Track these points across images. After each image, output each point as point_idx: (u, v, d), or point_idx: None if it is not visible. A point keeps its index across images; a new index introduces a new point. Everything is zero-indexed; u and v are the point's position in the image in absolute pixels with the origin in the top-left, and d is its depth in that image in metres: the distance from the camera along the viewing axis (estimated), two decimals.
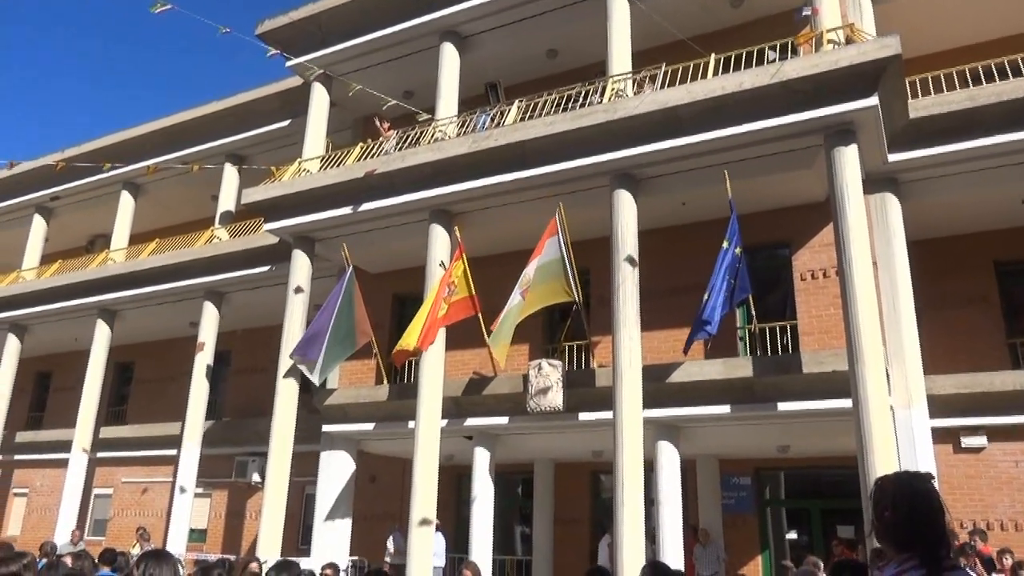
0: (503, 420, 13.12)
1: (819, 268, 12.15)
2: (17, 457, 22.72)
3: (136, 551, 12.39)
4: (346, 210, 14.25)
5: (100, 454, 20.14)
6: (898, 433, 10.46)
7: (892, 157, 11.66)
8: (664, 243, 13.03)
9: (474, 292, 12.83)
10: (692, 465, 13.81)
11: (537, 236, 12.70)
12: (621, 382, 11.14)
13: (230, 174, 19.53)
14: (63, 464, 19.26)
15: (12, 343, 21.77)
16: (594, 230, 12.68)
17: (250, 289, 17.97)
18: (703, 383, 11.52)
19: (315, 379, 13.74)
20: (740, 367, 11.41)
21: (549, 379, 12.31)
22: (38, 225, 23.52)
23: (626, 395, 11.06)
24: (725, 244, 10.92)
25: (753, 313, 12.02)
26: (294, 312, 14.81)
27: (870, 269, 10.24)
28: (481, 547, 13.02)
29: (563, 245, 12.09)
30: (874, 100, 10.30)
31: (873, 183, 11.77)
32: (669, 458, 11.85)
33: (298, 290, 14.95)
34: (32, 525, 22.17)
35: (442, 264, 13.33)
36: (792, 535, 14.14)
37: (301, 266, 15.17)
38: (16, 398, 21.98)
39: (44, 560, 9.09)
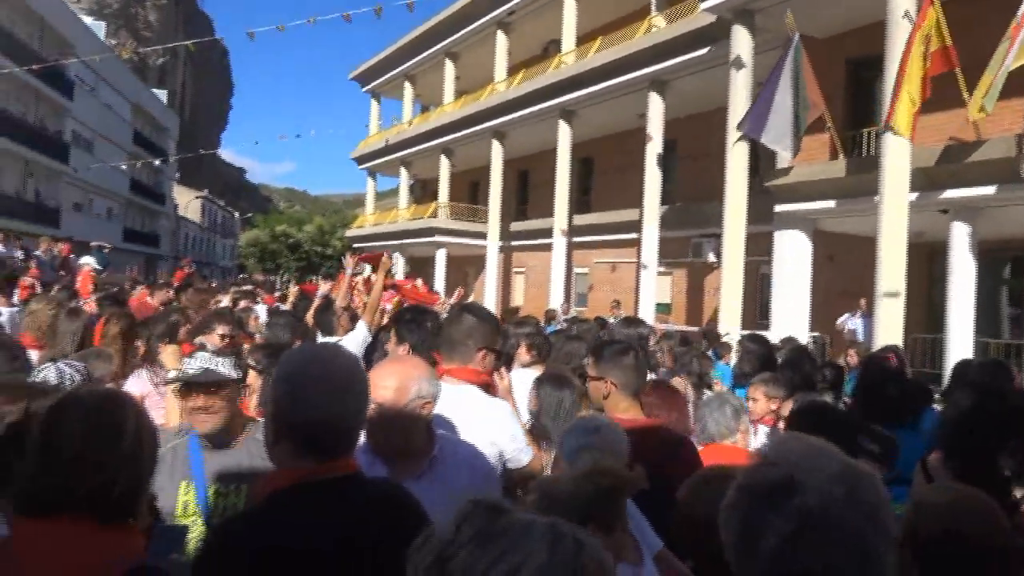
0: (988, 190, 11.37)
1: None
2: (513, 243, 27.40)
3: (612, 320, 14.22)
4: None
5: (575, 239, 23.13)
6: None
7: None
8: None
9: (949, 42, 10.90)
10: None
11: None
12: None
13: None
14: (547, 248, 22.70)
15: (496, 148, 25.66)
16: None
17: (691, 74, 17.90)
18: None
19: (788, 152, 13.40)
20: None
21: None
22: (501, 40, 26.36)
23: None
24: None
25: None
26: (737, 91, 14.43)
27: None
28: (960, 327, 12.00)
29: None
30: None
31: None
32: None
33: (739, 65, 14.42)
34: (531, 297, 26.86)
35: (906, 15, 11.49)
36: None
37: (742, 41, 14.49)
38: (505, 194, 26.22)
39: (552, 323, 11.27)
